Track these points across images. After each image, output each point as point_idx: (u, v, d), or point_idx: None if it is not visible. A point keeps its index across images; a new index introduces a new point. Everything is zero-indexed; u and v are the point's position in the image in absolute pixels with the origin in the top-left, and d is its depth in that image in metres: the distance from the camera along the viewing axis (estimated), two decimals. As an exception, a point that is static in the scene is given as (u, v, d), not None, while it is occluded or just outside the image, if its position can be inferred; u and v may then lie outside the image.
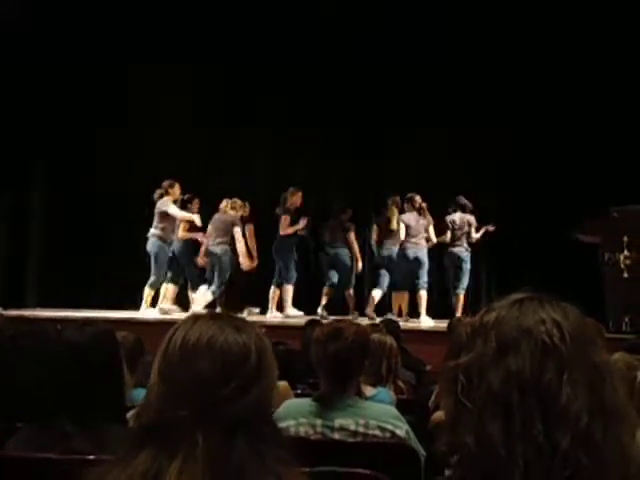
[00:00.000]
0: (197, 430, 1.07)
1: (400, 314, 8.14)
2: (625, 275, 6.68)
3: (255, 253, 8.16)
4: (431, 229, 8.12)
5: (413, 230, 8.00)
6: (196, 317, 1.21)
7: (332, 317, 6.89)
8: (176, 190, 8.11)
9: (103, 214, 9.54)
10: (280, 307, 8.25)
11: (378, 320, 6.60)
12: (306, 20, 9.01)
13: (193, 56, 9.25)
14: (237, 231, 7.92)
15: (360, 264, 8.27)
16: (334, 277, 8.22)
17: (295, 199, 8.13)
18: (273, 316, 8.10)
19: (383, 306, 8.34)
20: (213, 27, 9.25)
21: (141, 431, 1.13)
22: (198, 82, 9.47)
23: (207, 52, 9.28)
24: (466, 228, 8.22)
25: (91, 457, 1.73)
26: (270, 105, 9.49)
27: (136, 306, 8.20)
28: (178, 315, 7.72)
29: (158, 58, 9.14)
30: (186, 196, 8.27)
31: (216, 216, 8.12)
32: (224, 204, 8.16)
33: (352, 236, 8.20)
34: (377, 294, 8.15)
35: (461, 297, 8.15)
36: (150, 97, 9.37)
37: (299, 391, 3.35)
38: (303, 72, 9.34)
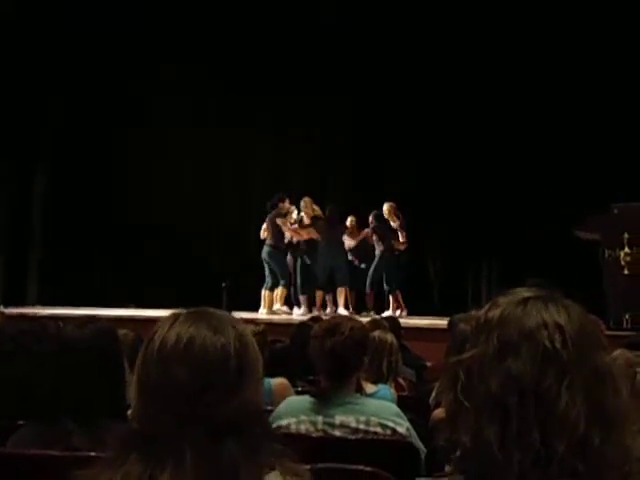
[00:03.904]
0: (182, 438, 1.06)
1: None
2: (626, 272, 6.68)
3: None
4: None
5: None
6: (175, 317, 1.17)
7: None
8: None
9: (106, 211, 9.52)
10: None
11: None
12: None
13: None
14: None
15: None
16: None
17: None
18: None
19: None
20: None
21: (127, 435, 1.12)
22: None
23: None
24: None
25: (92, 454, 1.73)
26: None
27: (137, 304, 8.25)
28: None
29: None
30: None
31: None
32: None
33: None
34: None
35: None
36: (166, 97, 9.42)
37: (299, 388, 3.35)
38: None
